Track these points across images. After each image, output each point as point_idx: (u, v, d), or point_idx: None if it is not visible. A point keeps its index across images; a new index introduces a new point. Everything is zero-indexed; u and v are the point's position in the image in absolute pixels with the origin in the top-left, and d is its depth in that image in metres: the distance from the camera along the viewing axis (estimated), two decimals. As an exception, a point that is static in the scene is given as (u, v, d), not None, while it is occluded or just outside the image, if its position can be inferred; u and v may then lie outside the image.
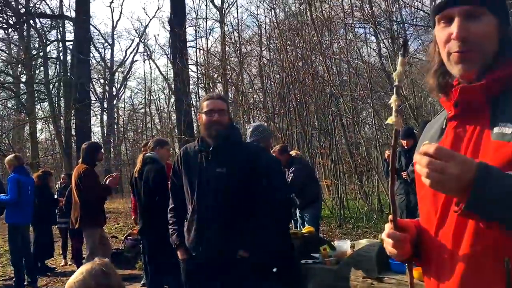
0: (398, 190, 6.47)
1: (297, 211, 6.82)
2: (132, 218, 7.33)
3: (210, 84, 17.18)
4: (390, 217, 1.21)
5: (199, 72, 18.13)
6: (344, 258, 4.94)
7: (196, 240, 2.80)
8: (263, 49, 15.50)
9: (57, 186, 8.48)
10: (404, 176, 6.39)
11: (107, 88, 29.87)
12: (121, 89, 30.97)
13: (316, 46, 11.09)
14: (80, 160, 5.94)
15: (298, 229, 6.48)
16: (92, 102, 23.85)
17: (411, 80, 9.84)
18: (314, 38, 11.14)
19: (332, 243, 5.88)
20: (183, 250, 2.90)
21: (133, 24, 73.25)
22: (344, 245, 5.24)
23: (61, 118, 20.74)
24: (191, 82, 17.88)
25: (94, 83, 26.56)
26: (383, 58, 10.96)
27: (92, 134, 21.26)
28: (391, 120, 1.12)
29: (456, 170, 0.94)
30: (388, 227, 1.22)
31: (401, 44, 1.07)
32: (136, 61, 31.54)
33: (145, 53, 26.92)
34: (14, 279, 6.59)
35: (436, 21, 1.20)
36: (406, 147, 6.54)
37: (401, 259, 1.24)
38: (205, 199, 2.78)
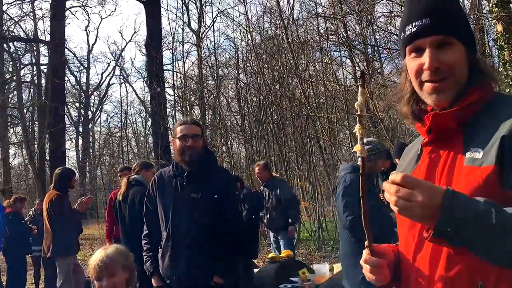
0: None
1: (271, 234, 6.75)
2: (107, 244, 7.14)
3: (187, 107, 17.18)
4: (366, 243, 1.21)
5: (176, 95, 18.12)
6: (323, 281, 4.90)
7: (170, 266, 2.77)
8: (240, 72, 15.61)
9: (31, 212, 8.24)
10: (382, 198, 6.42)
11: (82, 111, 29.58)
12: (97, 112, 30.70)
13: (293, 69, 11.23)
14: (52, 186, 5.80)
15: (273, 252, 6.40)
16: (67, 126, 23.51)
17: (386, 102, 10.02)
18: (291, 61, 11.28)
19: (311, 266, 5.85)
20: (157, 277, 2.87)
21: (109, 48, 72.99)
22: (323, 268, 5.21)
23: (35, 142, 20.35)
24: (168, 105, 17.82)
25: (69, 107, 26.27)
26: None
27: (67, 158, 20.92)
28: (356, 148, 1.14)
29: (422, 197, 0.96)
30: (365, 252, 1.22)
31: (359, 76, 1.08)
32: (112, 84, 31.40)
33: (122, 76, 26.88)
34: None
35: (407, 52, 1.22)
36: (383, 169, 6.59)
37: (380, 284, 1.24)
38: (180, 224, 2.75)
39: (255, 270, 5.50)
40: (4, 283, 6.97)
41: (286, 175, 11.00)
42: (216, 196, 2.78)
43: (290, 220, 6.38)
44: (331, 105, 11.25)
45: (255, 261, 6.17)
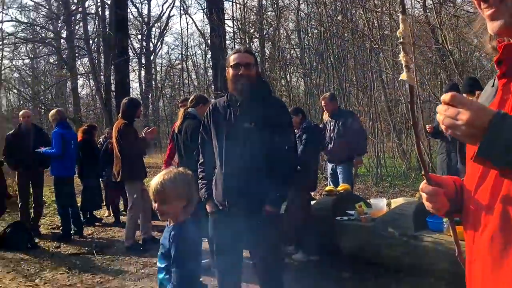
0: (440, 149, 6.33)
1: (329, 167, 6.73)
2: (163, 167, 7.33)
3: (247, 39, 16.98)
4: (422, 172, 1.25)
5: (235, 27, 17.92)
6: (380, 215, 4.94)
7: (223, 194, 2.86)
8: (301, 2, 15.07)
9: (100, 140, 8.73)
10: (428, 129, 6.28)
11: (144, 43, 30.01)
12: (158, 44, 31.07)
13: (357, -1, 10.70)
14: (120, 115, 6.08)
15: (330, 185, 6.43)
16: (130, 57, 24.07)
17: (457, 33, 9.40)
18: (355, -10, 10.73)
19: (367, 201, 5.89)
20: (211, 203, 2.97)
21: (169, -22, 72.15)
22: (380, 203, 5.24)
23: (101, 73, 21.10)
24: (227, 37, 17.73)
25: (131, 38, 26.70)
26: (427, 11, 10.46)
27: (130, 89, 21.60)
28: (403, 76, 1.14)
29: (468, 116, 0.96)
30: (423, 182, 1.27)
31: (399, 2, 1.04)
32: (172, 16, 31.50)
33: (182, 8, 26.75)
34: (61, 227, 6.96)
35: None
36: None
37: (438, 213, 1.29)
38: (233, 154, 2.81)
39: (312, 203, 5.62)
40: (79, 205, 7.55)
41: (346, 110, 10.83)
42: (269, 125, 2.79)
43: (357, 151, 6.35)
44: (396, 37, 10.72)
45: (312, 194, 6.28)
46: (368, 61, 11.36)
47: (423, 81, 10.16)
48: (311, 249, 5.05)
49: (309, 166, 5.28)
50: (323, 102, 6.52)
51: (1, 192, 6.69)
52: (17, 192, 7.76)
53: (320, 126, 6.62)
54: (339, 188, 5.80)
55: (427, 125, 6.47)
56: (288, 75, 14.48)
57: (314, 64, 13.32)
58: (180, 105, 6.02)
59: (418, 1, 11.45)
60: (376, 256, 4.67)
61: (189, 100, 5.31)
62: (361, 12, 10.80)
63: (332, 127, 6.39)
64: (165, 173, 2.23)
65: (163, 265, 2.22)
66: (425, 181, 1.25)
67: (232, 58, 2.89)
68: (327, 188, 6.01)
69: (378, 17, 10.84)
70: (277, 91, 14.84)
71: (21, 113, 7.41)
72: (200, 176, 3.06)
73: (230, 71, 2.88)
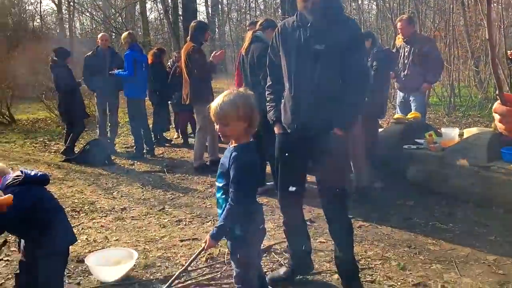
0: None
1: (399, 95, 6.42)
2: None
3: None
4: (497, 92, 1.17)
5: None
6: (451, 145, 4.79)
7: (292, 117, 2.83)
8: None
9: (169, 63, 8.89)
10: (509, 55, 5.76)
11: (211, -35, 29.31)
12: (226, -34, 30.20)
13: None
14: (188, 38, 6.11)
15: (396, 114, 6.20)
16: (197, -20, 23.68)
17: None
18: None
19: (438, 130, 5.69)
20: (279, 125, 2.95)
21: None
22: (452, 132, 5.05)
23: (169, -3, 21.04)
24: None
25: (198, -40, 26.09)
26: None
27: (197, 13, 21.48)
28: None
29: None
30: (497, 102, 1.19)
31: None
32: None
33: None
34: (134, 147, 7.36)
35: None
36: None
37: (510, 135, 1.22)
38: (303, 76, 2.74)
39: (380, 130, 5.51)
40: (151, 125, 7.89)
41: (420, 35, 10.21)
42: (340, 47, 2.68)
43: (428, 78, 5.98)
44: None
45: (380, 121, 6.13)
46: (448, -19, 10.47)
47: (508, 2, 9.28)
48: (376, 175, 5.03)
49: (379, 93, 5.12)
50: (399, 24, 6.06)
51: (81, 112, 7.11)
52: (94, 112, 8.23)
53: (393, 51, 6.30)
54: (408, 116, 5.62)
55: (508, 51, 5.92)
56: (359, -2, 13.73)
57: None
58: (248, 28, 5.95)
59: None
60: (443, 185, 4.59)
61: (258, 23, 5.22)
62: None
63: (406, 53, 5.98)
64: (225, 95, 2.20)
65: (221, 184, 2.26)
66: (499, 100, 1.17)
67: None
68: (396, 115, 5.85)
69: None
70: (347, 15, 14.22)
71: (99, 36, 7.67)
72: (268, 99, 3.05)
73: None
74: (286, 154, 2.93)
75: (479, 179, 4.26)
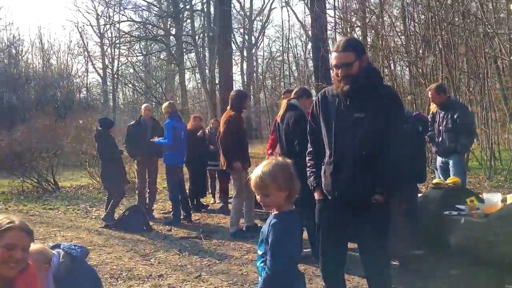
0: None
1: (438, 160, 6.39)
2: (266, 157, 7.45)
3: (348, 28, 16.63)
4: None
5: (336, 16, 17.61)
6: (494, 211, 4.63)
7: (332, 184, 2.86)
8: (407, -13, 14.38)
9: (206, 130, 9.18)
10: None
11: (246, 37, 30.73)
12: (260, 37, 31.60)
13: (469, -20, 9.99)
14: (229, 107, 6.33)
15: (437, 178, 6.12)
16: (233, 51, 24.81)
17: None
18: (467, -29, 10.03)
19: (480, 195, 5.53)
20: (319, 191, 2.98)
21: (270, -29, 72.77)
22: (495, 198, 4.90)
23: (206, 67, 22.05)
24: (328, 27, 17.50)
25: (234, 32, 27.47)
26: None
27: (233, 82, 22.28)
28: None
29: None
30: None
31: None
32: (274, 8, 31.83)
33: (283, 0, 26.90)
34: (172, 212, 7.47)
35: None
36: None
37: None
38: (343, 143, 2.79)
39: (419, 195, 5.42)
40: (188, 191, 8.04)
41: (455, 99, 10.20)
42: (379, 115, 2.73)
43: (459, 146, 5.98)
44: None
45: (419, 186, 6.05)
46: (481, 47, 10.57)
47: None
48: (416, 242, 4.89)
49: (414, 157, 5.09)
50: (429, 93, 6.20)
51: (122, 178, 7.35)
52: (134, 178, 8.47)
53: (428, 117, 6.33)
54: (447, 181, 5.52)
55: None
56: (392, 64, 13.95)
57: (420, 51, 12.68)
58: (283, 96, 6.14)
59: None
60: (489, 253, 4.40)
61: (293, 92, 5.39)
62: (474, -6, 10.07)
63: (440, 119, 6.05)
64: (264, 165, 2.23)
65: (261, 252, 2.27)
66: None
67: (332, 57, 2.87)
68: (435, 180, 5.76)
69: (494, -1, 10.02)
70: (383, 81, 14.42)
71: (143, 106, 8.06)
72: (308, 164, 3.10)
73: (332, 70, 2.88)
74: (327, 221, 2.93)
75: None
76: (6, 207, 8.76)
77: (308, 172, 3.08)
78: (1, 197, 10.25)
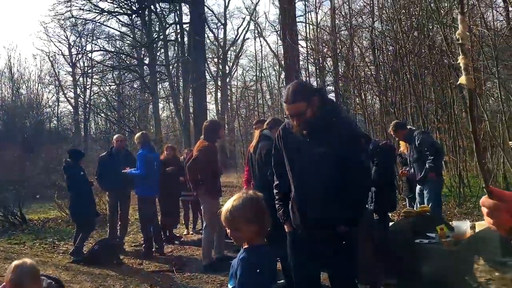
0: None
1: (418, 187, 6.55)
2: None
3: (320, 59, 17.01)
4: (483, 185, 1.18)
5: (308, 47, 18.02)
6: (464, 239, 4.71)
7: (299, 219, 2.90)
8: (375, 20, 14.87)
9: (180, 160, 9.10)
10: None
11: (220, 66, 30.99)
12: (234, 67, 31.92)
13: (433, 14, 10.38)
14: (202, 136, 6.31)
15: (414, 207, 6.25)
16: (207, 81, 24.95)
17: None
18: (431, 4, 10.43)
19: (450, 223, 5.62)
20: (289, 224, 3.02)
21: (244, 3, 74.31)
22: (464, 226, 4.98)
23: (180, 97, 22.07)
24: (300, 57, 17.87)
25: (208, 62, 27.70)
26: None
27: (207, 111, 22.36)
28: (462, 80, 1.10)
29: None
30: (484, 196, 1.19)
31: (458, 2, 1.03)
32: (247, 39, 32.01)
33: (256, 31, 27.38)
34: (143, 245, 7.30)
35: None
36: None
37: (500, 231, 1.18)
38: (305, 178, 2.83)
39: (390, 224, 5.48)
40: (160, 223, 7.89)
41: (424, 127, 10.44)
42: (338, 149, 2.77)
43: (427, 166, 6.14)
44: (478, 52, 10.24)
45: (390, 215, 6.11)
46: (447, 77, 10.93)
47: (508, 97, 9.58)
48: (389, 272, 4.91)
49: (384, 186, 5.18)
50: (392, 133, 6.55)
51: (91, 211, 7.17)
52: (105, 210, 8.28)
53: (388, 143, 6.55)
54: (417, 210, 5.61)
55: (510, 142, 6.16)
56: (363, 93, 14.27)
57: (389, 81, 13.03)
58: (255, 126, 6.17)
59: (500, 13, 10.92)
60: (460, 281, 4.45)
61: (266, 122, 5.44)
62: (438, 27, 10.45)
63: (408, 151, 6.39)
64: (234, 199, 2.22)
65: (231, 287, 2.24)
66: (486, 195, 1.17)
67: (284, 107, 2.93)
68: (405, 209, 5.85)
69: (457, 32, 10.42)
70: (351, 109, 14.68)
71: (115, 137, 7.95)
72: (276, 197, 3.12)
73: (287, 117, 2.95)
74: (298, 252, 2.94)
75: (495, 275, 4.14)
76: (-31, 242, 8.41)
77: (276, 205, 3.08)
78: (-35, 231, 9.86)
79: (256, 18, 26.31)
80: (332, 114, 2.95)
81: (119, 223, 7.55)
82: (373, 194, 5.32)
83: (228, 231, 2.24)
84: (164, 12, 24.69)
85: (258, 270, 2.17)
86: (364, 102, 13.85)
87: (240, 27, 30.49)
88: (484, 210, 1.18)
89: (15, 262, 2.52)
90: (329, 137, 2.80)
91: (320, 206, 2.79)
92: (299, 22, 19.76)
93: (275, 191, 3.16)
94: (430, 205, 6.04)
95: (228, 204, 2.22)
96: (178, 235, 8.56)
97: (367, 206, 5.06)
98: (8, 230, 9.79)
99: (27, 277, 2.44)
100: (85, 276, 6.08)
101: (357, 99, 14.18)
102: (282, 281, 4.91)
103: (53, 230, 9.73)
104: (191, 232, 8.75)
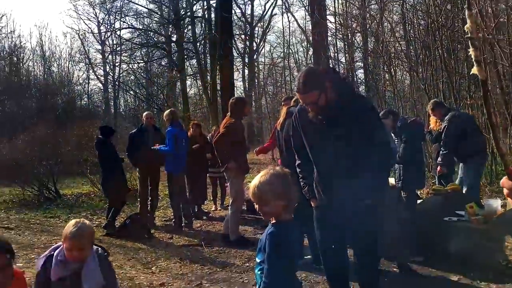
0: None
1: (460, 166, 6.46)
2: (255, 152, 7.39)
3: (349, 34, 16.70)
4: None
5: (337, 22, 17.68)
6: (494, 217, 4.64)
7: (323, 197, 2.94)
8: (406, -7, 14.44)
9: (208, 137, 9.20)
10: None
11: (247, 43, 30.82)
12: (261, 43, 31.71)
13: (468, -14, 10.00)
14: (228, 114, 6.35)
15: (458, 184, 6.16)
16: (235, 57, 24.88)
17: None
18: (466, -24, 10.06)
19: (480, 201, 5.54)
20: (315, 200, 3.06)
21: (271, -23, 73.21)
22: (494, 204, 4.91)
23: (207, 74, 22.10)
24: (329, 33, 17.57)
25: (236, 39, 27.58)
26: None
27: (235, 88, 22.32)
28: (474, 70, 1.16)
29: None
30: (504, 177, 1.23)
31: None
32: (274, 15, 31.80)
33: (284, 6, 27.00)
34: (173, 220, 7.48)
35: None
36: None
37: None
38: (326, 159, 2.83)
39: (418, 202, 5.43)
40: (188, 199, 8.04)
41: (456, 104, 10.21)
42: (357, 127, 2.76)
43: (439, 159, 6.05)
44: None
45: (418, 192, 6.06)
46: (481, 52, 10.59)
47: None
48: (415, 248, 4.89)
49: (412, 163, 5.12)
50: (429, 112, 6.46)
51: (123, 186, 7.36)
52: (135, 186, 8.48)
53: (418, 120, 6.45)
54: (447, 187, 5.54)
55: None
56: (393, 70, 13.99)
57: (420, 57, 12.71)
58: (283, 103, 6.15)
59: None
60: (488, 260, 4.41)
61: (293, 99, 5.42)
62: (473, -1, 10.08)
63: (441, 130, 6.27)
64: (262, 175, 2.26)
65: (259, 260, 2.29)
66: (506, 176, 1.20)
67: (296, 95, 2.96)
68: (434, 187, 5.78)
69: (493, 3, 10.05)
70: (380, 86, 14.43)
71: (144, 114, 8.08)
72: (300, 176, 3.14)
73: None
74: (325, 227, 2.97)
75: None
76: (7, 215, 8.75)
77: (301, 183, 3.10)
78: (2, 205, 10.27)
79: (284, -7, 25.95)
80: (347, 95, 2.91)
81: (149, 198, 7.73)
82: (400, 172, 5.27)
83: (256, 206, 2.28)
84: (191, -12, 24.55)
85: (285, 245, 2.21)
86: (394, 79, 13.60)
87: (267, 2, 30.03)
88: (505, 191, 1.23)
89: (75, 220, 2.66)
90: (346, 118, 2.79)
91: (343, 186, 2.80)
92: (328, -4, 19.37)
93: (298, 169, 3.17)
94: (466, 184, 5.98)
95: (256, 180, 2.26)
96: (206, 211, 8.70)
97: (395, 183, 5.04)
98: (44, 204, 10.16)
99: (86, 233, 2.57)
100: (117, 249, 6.28)
101: (386, 75, 13.92)
102: (308, 256, 4.98)
103: (86, 205, 10.05)
104: (219, 208, 8.88)
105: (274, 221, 2.27)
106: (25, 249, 5.41)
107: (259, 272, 2.28)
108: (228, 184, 6.30)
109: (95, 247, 2.75)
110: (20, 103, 21.43)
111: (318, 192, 2.97)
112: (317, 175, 2.92)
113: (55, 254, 2.60)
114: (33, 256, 5.29)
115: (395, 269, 4.73)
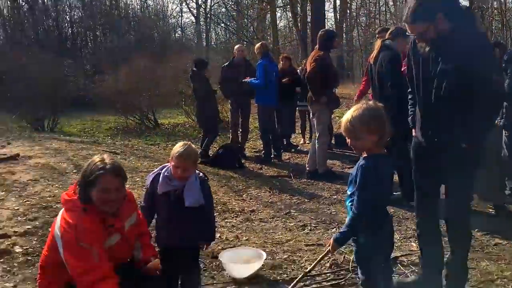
0: None
1: None
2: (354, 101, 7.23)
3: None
4: None
5: None
6: None
7: (421, 132, 2.85)
8: None
9: (298, 70, 9.14)
10: None
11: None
12: (355, -29, 29.88)
13: None
14: (317, 46, 6.25)
15: None
16: (326, -13, 23.77)
17: None
18: None
19: None
20: (414, 130, 2.98)
21: None
22: None
23: (298, 5, 21.49)
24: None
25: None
26: None
27: (326, 20, 21.57)
28: None
29: None
30: None
31: None
32: None
33: None
34: (263, 151, 7.72)
35: None
36: None
37: None
38: (429, 94, 2.71)
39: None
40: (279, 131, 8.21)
41: None
42: (465, 66, 2.55)
43: None
44: None
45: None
46: None
47: None
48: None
49: None
50: None
51: (216, 117, 7.68)
52: (226, 118, 8.79)
53: None
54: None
55: None
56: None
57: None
58: (377, 35, 5.90)
59: None
60: None
61: (389, 31, 5.17)
62: None
63: None
64: (354, 110, 2.25)
65: (350, 192, 2.34)
66: None
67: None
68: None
69: None
70: (487, 15, 13.20)
71: (236, 47, 8.19)
72: (409, 103, 3.06)
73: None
74: (420, 159, 2.93)
75: None
76: (114, 141, 9.56)
77: (409, 110, 3.07)
78: (109, 132, 11.25)
79: None
80: (462, 30, 2.68)
81: (240, 129, 7.99)
82: (504, 109, 4.91)
83: (348, 140, 2.29)
84: None
85: (376, 177, 2.23)
86: (504, 7, 12.33)
87: None
88: None
89: (183, 141, 2.90)
90: (455, 54, 2.59)
91: (444, 123, 2.69)
92: None
93: (409, 96, 3.08)
94: None
95: (348, 114, 2.26)
96: (295, 144, 8.84)
97: (497, 121, 4.73)
98: (144, 132, 10.95)
99: (191, 154, 2.80)
100: (211, 176, 6.65)
101: (494, 2, 12.65)
102: (398, 193, 4.96)
103: (181, 134, 10.66)
104: (307, 142, 8.97)
105: (365, 155, 2.29)
106: (131, 173, 5.91)
107: (349, 204, 2.34)
108: (314, 118, 6.31)
109: (197, 171, 2.96)
110: (120, 36, 22.50)
111: (416, 126, 2.90)
112: (418, 109, 2.84)
113: (162, 171, 2.86)
114: (137, 179, 5.79)
115: (490, 210, 4.58)
